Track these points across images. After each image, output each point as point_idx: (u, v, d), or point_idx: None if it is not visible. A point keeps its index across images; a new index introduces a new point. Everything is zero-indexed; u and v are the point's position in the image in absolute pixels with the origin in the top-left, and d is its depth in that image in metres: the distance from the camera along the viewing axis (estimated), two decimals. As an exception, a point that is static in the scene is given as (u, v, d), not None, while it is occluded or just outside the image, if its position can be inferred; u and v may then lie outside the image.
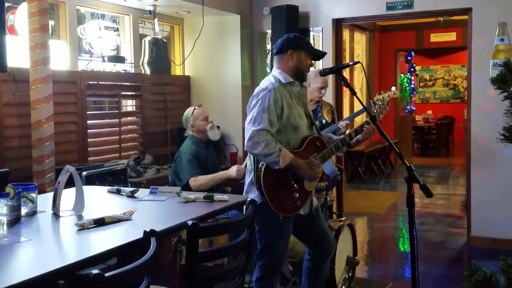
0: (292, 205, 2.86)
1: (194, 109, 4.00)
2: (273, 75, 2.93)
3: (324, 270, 3.18)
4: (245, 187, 3.00)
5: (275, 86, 2.84)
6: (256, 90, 2.90)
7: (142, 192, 2.86)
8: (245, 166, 3.68)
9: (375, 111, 3.13)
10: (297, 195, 2.87)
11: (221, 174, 3.81)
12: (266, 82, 2.91)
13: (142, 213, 2.43)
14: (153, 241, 1.82)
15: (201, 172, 3.82)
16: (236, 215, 3.44)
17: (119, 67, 5.41)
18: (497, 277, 1.87)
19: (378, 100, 4.20)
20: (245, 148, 2.83)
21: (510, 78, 1.90)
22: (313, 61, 3.00)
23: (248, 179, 2.98)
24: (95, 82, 4.96)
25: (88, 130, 4.82)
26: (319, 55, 3.02)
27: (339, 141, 2.99)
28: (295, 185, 2.86)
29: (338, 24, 5.86)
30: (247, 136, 2.78)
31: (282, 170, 2.79)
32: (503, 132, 1.98)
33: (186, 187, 3.74)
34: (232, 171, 3.76)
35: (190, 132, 3.98)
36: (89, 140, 4.83)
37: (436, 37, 10.47)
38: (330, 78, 5.16)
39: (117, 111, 5.28)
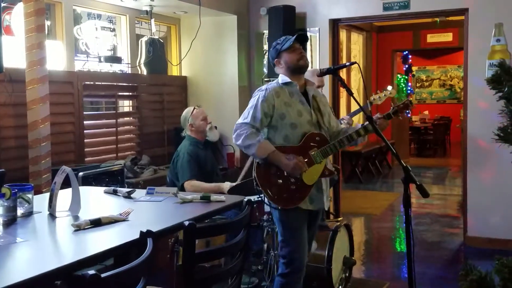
0: (290, 197, 2.92)
1: (194, 108, 4.00)
2: (276, 79, 3.13)
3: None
4: None
5: (270, 87, 3.02)
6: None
7: (139, 193, 2.86)
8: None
9: (391, 110, 3.08)
10: (294, 187, 2.92)
11: (216, 186, 3.76)
12: (265, 85, 3.09)
13: (138, 214, 2.43)
14: (149, 241, 1.82)
15: (199, 174, 3.81)
16: (233, 216, 3.44)
17: (115, 68, 5.41)
18: (493, 277, 1.87)
19: (375, 99, 4.20)
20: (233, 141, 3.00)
21: (505, 78, 1.91)
22: (299, 45, 3.05)
23: None
24: (92, 83, 4.95)
25: (85, 131, 4.82)
26: (298, 38, 3.03)
27: (344, 138, 3.01)
28: (291, 178, 2.92)
29: (335, 25, 5.87)
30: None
31: (273, 165, 2.91)
32: (498, 132, 1.98)
33: (182, 188, 3.73)
34: (226, 186, 3.75)
35: (188, 132, 3.97)
36: (85, 140, 4.82)
37: (433, 38, 10.49)
38: (327, 78, 5.17)
39: (114, 111, 5.27)
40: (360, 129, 3.00)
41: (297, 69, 3.04)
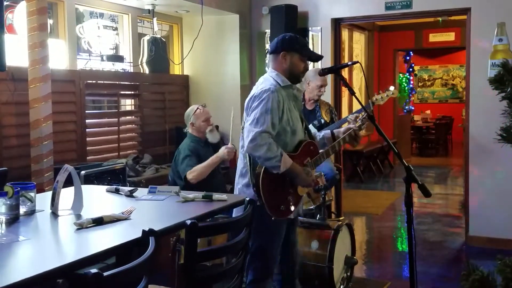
0: (285, 209, 2.85)
1: (197, 108, 3.99)
2: (271, 76, 2.89)
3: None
4: (238, 188, 2.97)
5: (274, 88, 2.80)
6: (257, 90, 2.83)
7: (141, 192, 2.86)
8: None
9: (358, 124, 3.10)
10: (290, 199, 2.86)
11: (214, 159, 3.79)
12: (267, 82, 2.85)
13: (140, 213, 2.43)
14: (151, 240, 1.82)
15: None
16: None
17: (117, 66, 5.41)
18: (494, 277, 1.87)
19: (377, 100, 4.20)
20: (245, 150, 2.78)
21: (508, 78, 1.91)
22: (310, 62, 2.99)
23: (242, 181, 2.94)
24: (94, 81, 4.96)
25: (87, 129, 4.82)
26: (314, 58, 3.00)
27: (329, 148, 3.00)
28: (290, 190, 2.85)
29: (337, 24, 5.86)
30: (248, 138, 2.71)
31: (279, 174, 2.76)
32: (500, 132, 1.98)
33: (185, 183, 3.73)
34: (223, 152, 3.77)
35: (190, 130, 3.99)
36: (87, 139, 4.83)
37: (435, 37, 10.48)
38: (329, 77, 5.17)
39: (116, 110, 5.28)
40: (340, 140, 3.00)
41: (296, 78, 2.90)
